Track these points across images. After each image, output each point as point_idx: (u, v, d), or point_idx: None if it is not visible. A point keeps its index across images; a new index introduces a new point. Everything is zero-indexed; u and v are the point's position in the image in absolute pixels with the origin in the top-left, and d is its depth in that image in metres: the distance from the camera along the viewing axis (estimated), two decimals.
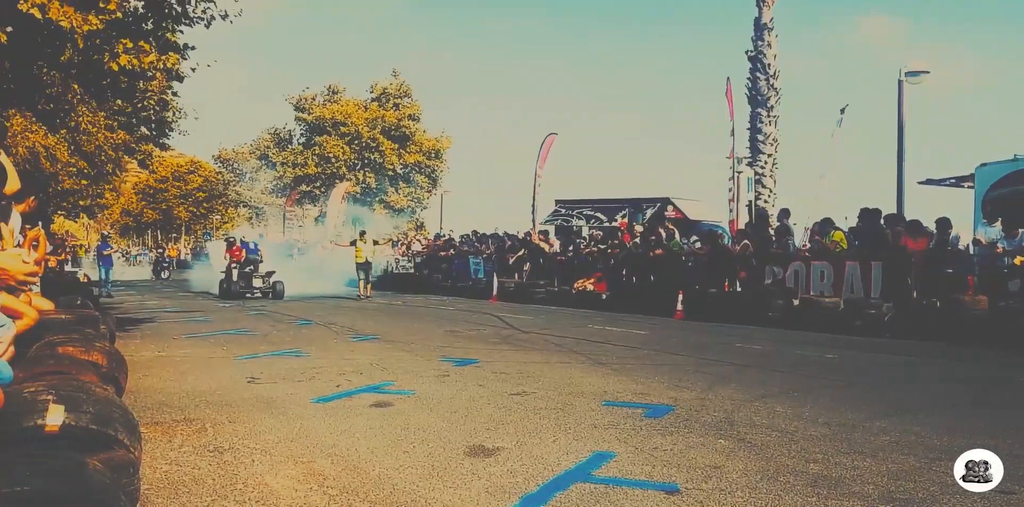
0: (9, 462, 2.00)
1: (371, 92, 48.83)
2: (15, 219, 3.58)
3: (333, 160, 46.13)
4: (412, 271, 26.21)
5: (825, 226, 13.94)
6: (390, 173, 47.63)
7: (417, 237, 30.94)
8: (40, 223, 6.61)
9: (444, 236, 27.65)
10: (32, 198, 4.71)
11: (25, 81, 7.78)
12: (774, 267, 14.21)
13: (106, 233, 24.37)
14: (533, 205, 24.45)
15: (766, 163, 24.48)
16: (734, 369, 7.80)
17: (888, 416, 5.36)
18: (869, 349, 9.79)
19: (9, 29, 6.69)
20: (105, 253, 21.67)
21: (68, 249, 26.47)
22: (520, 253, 21.23)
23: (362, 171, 47.24)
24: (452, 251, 24.76)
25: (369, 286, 19.72)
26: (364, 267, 19.44)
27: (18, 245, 4.45)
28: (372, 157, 46.87)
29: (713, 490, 3.58)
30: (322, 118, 46.77)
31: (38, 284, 6.56)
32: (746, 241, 15.32)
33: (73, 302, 7.76)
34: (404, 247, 28.48)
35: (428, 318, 13.80)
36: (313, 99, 48.25)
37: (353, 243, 19.89)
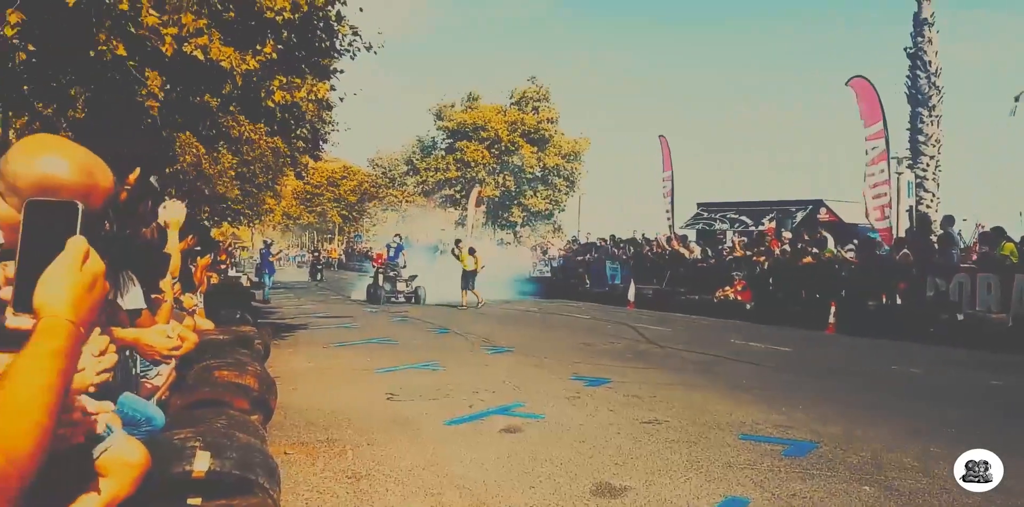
0: None
1: (511, 98, 49.59)
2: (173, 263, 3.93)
3: (472, 164, 47.22)
4: (549, 275, 26.35)
5: (996, 236, 12.75)
6: (529, 176, 48.15)
7: (552, 241, 31.11)
8: (210, 254, 7.28)
9: (580, 240, 27.59)
10: (191, 236, 5.15)
11: (190, 111, 8.53)
12: (936, 278, 13.14)
13: (268, 240, 25.81)
14: (671, 208, 23.91)
15: (928, 166, 22.63)
16: (887, 398, 7.29)
17: None
18: None
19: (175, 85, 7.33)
20: (269, 260, 22.86)
21: (234, 255, 28.52)
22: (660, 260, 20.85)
23: (501, 175, 48.06)
24: (592, 255, 24.61)
25: (465, 294, 18.87)
26: (467, 275, 18.88)
27: (181, 276, 4.85)
28: (511, 160, 47.59)
29: None
30: (463, 123, 47.98)
31: (201, 302, 7.14)
32: (906, 250, 14.27)
33: (233, 316, 8.38)
34: (541, 251, 28.70)
35: (563, 328, 13.82)
36: (452, 106, 49.59)
37: (460, 253, 19.24)
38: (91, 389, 1.33)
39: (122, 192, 2.00)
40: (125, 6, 6.27)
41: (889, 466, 4.77)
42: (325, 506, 3.92)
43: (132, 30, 6.54)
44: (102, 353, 1.34)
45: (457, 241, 19.87)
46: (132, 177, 2.05)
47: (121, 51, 6.62)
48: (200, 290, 7.22)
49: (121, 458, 2.11)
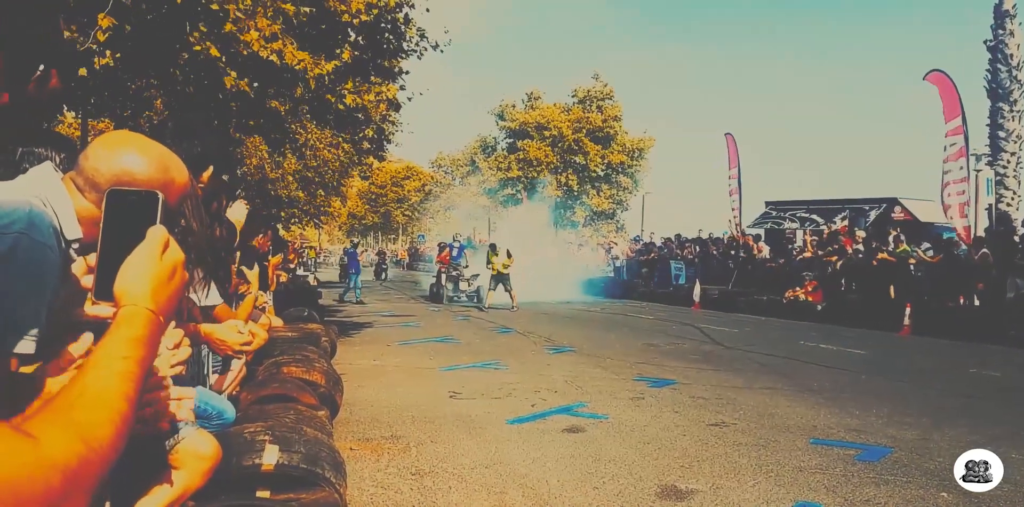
0: None
1: (573, 96, 49.41)
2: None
3: (535, 163, 47.21)
4: (611, 275, 26.12)
5: None
6: (592, 175, 47.89)
7: (615, 240, 30.84)
8: (280, 254, 7.48)
9: (643, 240, 27.30)
10: (262, 236, 5.27)
11: (262, 115, 8.75)
12: (1018, 279, 12.56)
13: (355, 240, 25.67)
14: (739, 207, 23.36)
15: (1008, 162, 21.63)
16: (965, 402, 7.00)
17: None
18: None
19: (255, 85, 7.54)
20: (357, 260, 21.91)
21: (302, 255, 29.12)
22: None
23: (564, 174, 47.91)
24: (656, 254, 24.30)
25: (493, 294, 18.30)
26: (498, 278, 18.15)
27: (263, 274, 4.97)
28: (575, 159, 47.41)
29: None
30: (525, 123, 48.01)
31: (271, 301, 7.32)
32: (985, 249, 13.67)
33: (300, 314, 8.56)
34: (604, 250, 28.49)
35: (626, 328, 13.68)
36: (513, 106, 49.65)
37: (494, 254, 18.41)
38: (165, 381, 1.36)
39: (197, 190, 2.05)
40: (216, 6, 6.45)
41: None
42: (389, 503, 3.96)
43: (223, 29, 6.72)
44: (176, 346, 1.38)
45: (492, 246, 19.15)
46: (205, 175, 2.10)
47: (214, 52, 6.84)
48: (270, 289, 7.40)
49: (193, 450, 2.17)
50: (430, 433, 5.47)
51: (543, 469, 4.57)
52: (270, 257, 6.72)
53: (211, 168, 2.09)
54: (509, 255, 18.36)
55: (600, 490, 4.17)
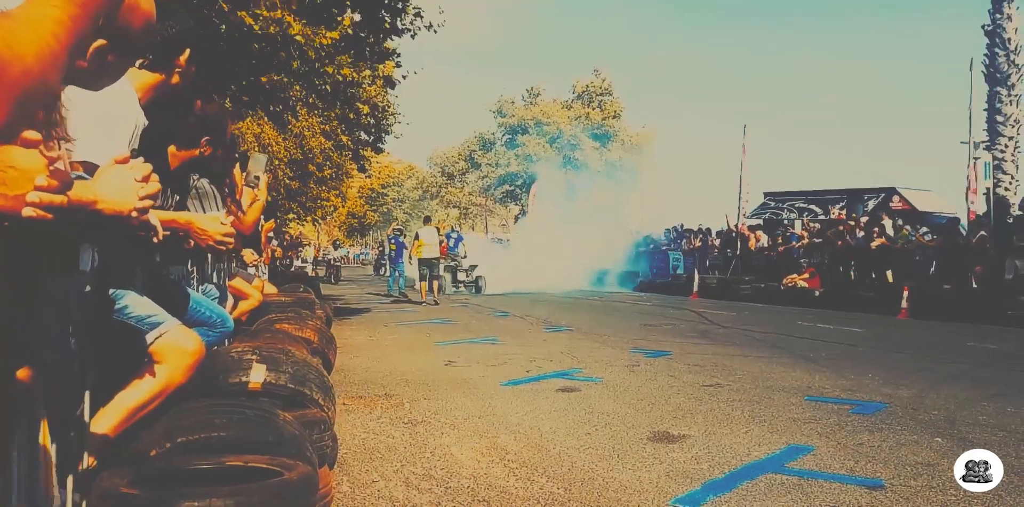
0: (207, 411, 2.22)
1: (573, 92, 49.37)
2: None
3: (534, 159, 47.15)
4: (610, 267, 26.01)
5: None
6: (591, 171, 47.82)
7: (613, 232, 30.76)
8: (273, 220, 7.50)
9: (641, 232, 27.26)
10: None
11: (261, 89, 8.73)
12: (1016, 261, 12.55)
13: (400, 228, 23.80)
14: (739, 196, 23.29)
15: (1006, 147, 21.61)
16: (963, 368, 6.98)
17: None
18: None
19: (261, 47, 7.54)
20: (404, 249, 19.50)
21: (297, 249, 29.00)
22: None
23: (563, 170, 47.85)
24: (654, 245, 24.30)
25: (436, 286, 15.55)
26: (427, 263, 15.31)
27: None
28: (573, 155, 47.37)
29: (923, 488, 3.20)
30: (523, 119, 47.96)
31: (265, 273, 7.31)
32: (983, 232, 13.66)
33: (296, 288, 8.57)
34: (603, 242, 28.42)
35: (623, 312, 13.67)
36: (512, 103, 49.58)
37: (416, 237, 15.89)
38: (134, 213, 1.35)
39: (174, 75, 2.03)
40: None
41: (963, 422, 4.56)
42: (381, 446, 3.95)
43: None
44: (145, 179, 1.37)
45: (426, 219, 17.15)
46: (182, 59, 2.07)
47: (249, 20, 6.85)
48: (264, 260, 7.38)
49: (176, 345, 2.16)
50: (424, 392, 5.46)
51: (536, 419, 4.56)
52: (263, 222, 6.71)
53: (188, 51, 2.07)
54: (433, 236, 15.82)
55: (592, 436, 4.16)
